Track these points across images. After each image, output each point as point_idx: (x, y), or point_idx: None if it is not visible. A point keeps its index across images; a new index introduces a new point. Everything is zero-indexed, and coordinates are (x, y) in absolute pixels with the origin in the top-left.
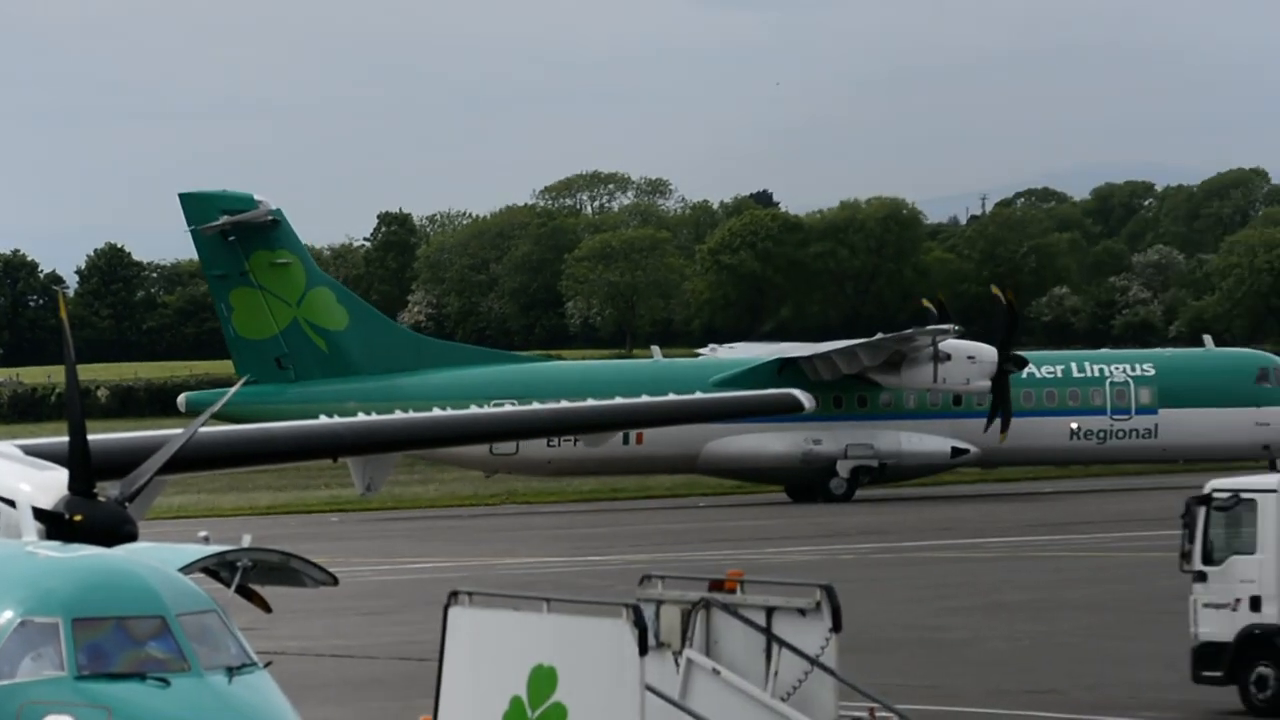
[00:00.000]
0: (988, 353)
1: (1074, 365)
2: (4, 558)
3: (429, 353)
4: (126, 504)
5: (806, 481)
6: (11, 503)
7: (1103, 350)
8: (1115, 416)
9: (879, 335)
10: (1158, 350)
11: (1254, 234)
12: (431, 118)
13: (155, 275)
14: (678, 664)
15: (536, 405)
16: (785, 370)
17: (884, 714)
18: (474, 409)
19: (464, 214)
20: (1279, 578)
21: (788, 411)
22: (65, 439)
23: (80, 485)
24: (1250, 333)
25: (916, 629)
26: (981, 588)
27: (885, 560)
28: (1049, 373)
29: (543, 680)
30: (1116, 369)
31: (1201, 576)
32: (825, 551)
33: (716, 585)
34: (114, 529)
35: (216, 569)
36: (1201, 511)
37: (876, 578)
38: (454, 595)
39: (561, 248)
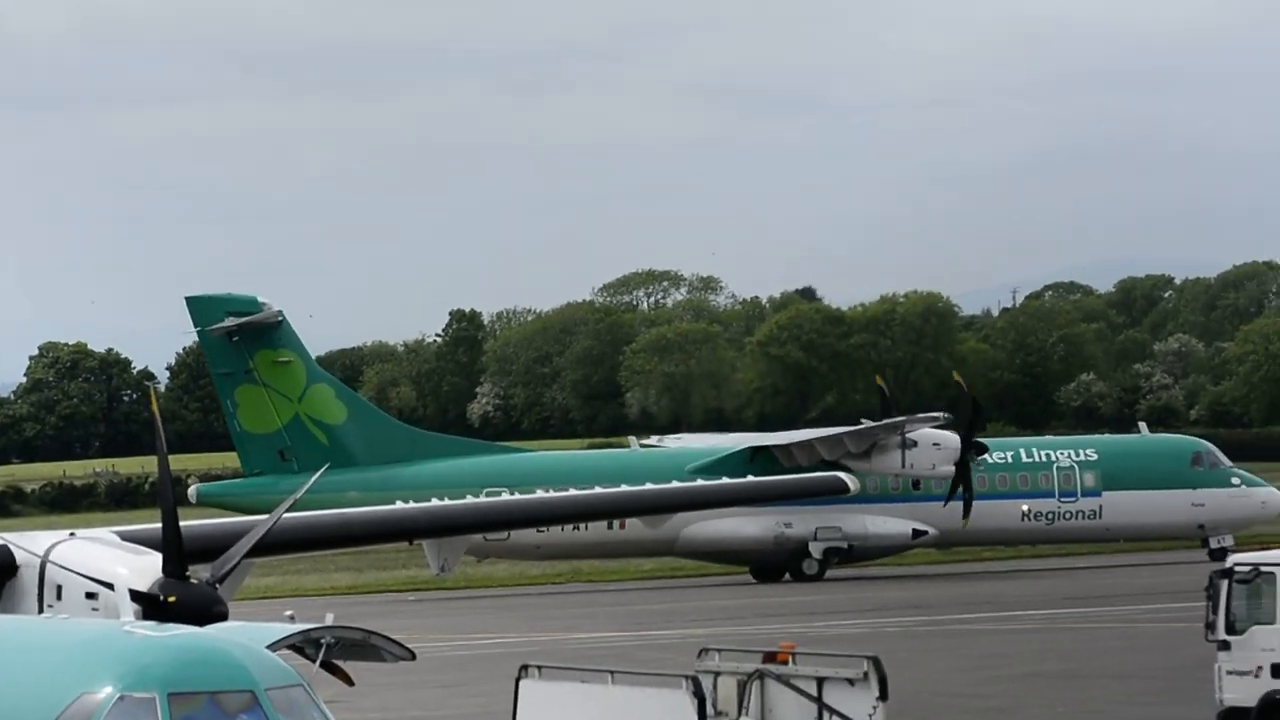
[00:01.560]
0: (951, 440)
1: (1023, 451)
2: (103, 636)
3: (422, 444)
4: (217, 585)
5: (776, 563)
6: (110, 585)
7: (1048, 437)
8: (1063, 499)
9: (865, 423)
10: (1099, 436)
11: (1269, 322)
12: (497, 219)
13: None
14: None
15: (599, 490)
16: (756, 458)
17: None
18: (542, 493)
19: (529, 310)
20: None
21: (834, 493)
22: (159, 525)
23: (173, 568)
24: (1267, 415)
25: (959, 697)
26: (1019, 658)
27: (927, 632)
28: (1000, 458)
29: None
30: (1062, 454)
31: (1225, 645)
32: (871, 624)
33: (770, 657)
34: (206, 609)
35: (302, 645)
36: (1224, 584)
37: (920, 649)
38: (524, 668)
39: (619, 341)
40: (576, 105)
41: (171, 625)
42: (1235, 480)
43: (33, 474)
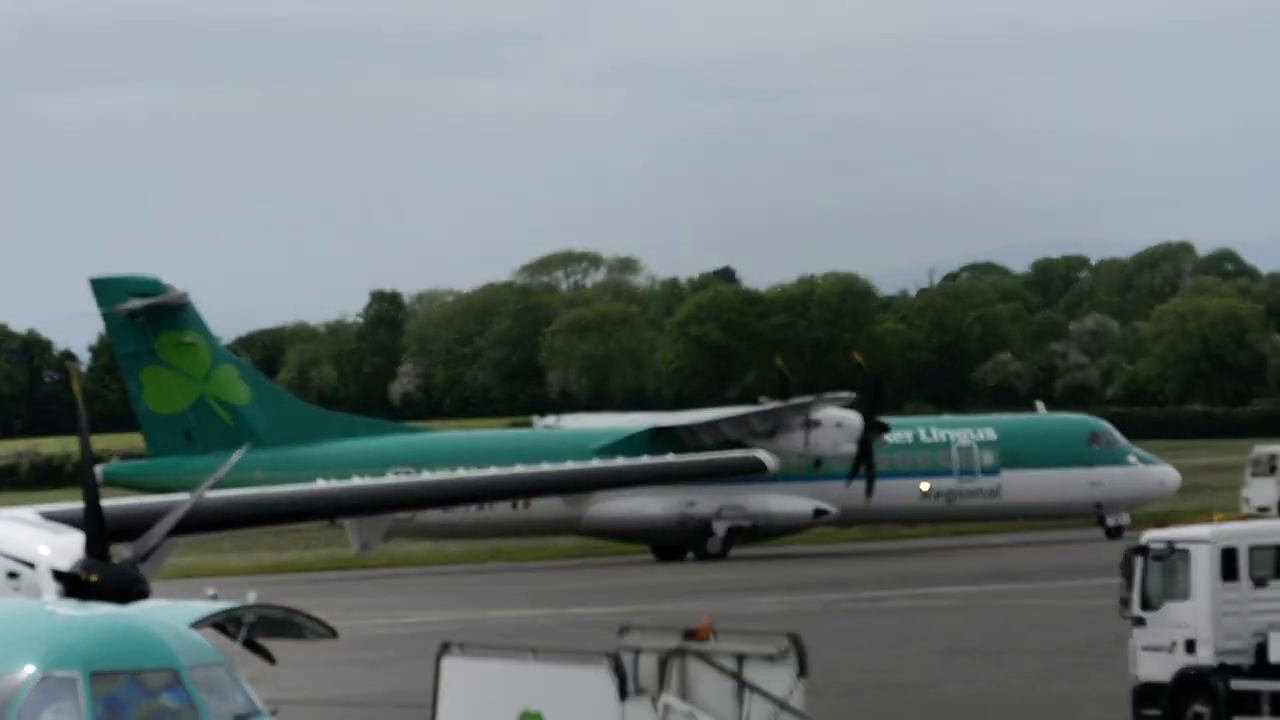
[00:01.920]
0: (853, 420)
1: (922, 430)
2: (25, 616)
3: (328, 424)
4: (139, 564)
5: (679, 542)
6: (31, 565)
7: (946, 416)
8: (962, 478)
9: (772, 403)
10: (997, 416)
11: (1183, 302)
12: (418, 201)
13: None
14: (655, 708)
15: (520, 468)
16: (659, 438)
17: None
18: (462, 472)
19: (449, 291)
20: (1212, 622)
21: (752, 472)
22: (81, 505)
23: (95, 548)
24: (1181, 393)
25: (878, 673)
26: (937, 634)
27: (848, 610)
28: (900, 438)
29: None
30: (961, 434)
31: (1140, 622)
32: (791, 602)
33: (691, 634)
34: (127, 588)
35: (224, 624)
36: (1139, 561)
37: (840, 626)
38: (446, 646)
39: (539, 322)
40: (497, 87)
41: (93, 604)
42: (1132, 459)
43: None
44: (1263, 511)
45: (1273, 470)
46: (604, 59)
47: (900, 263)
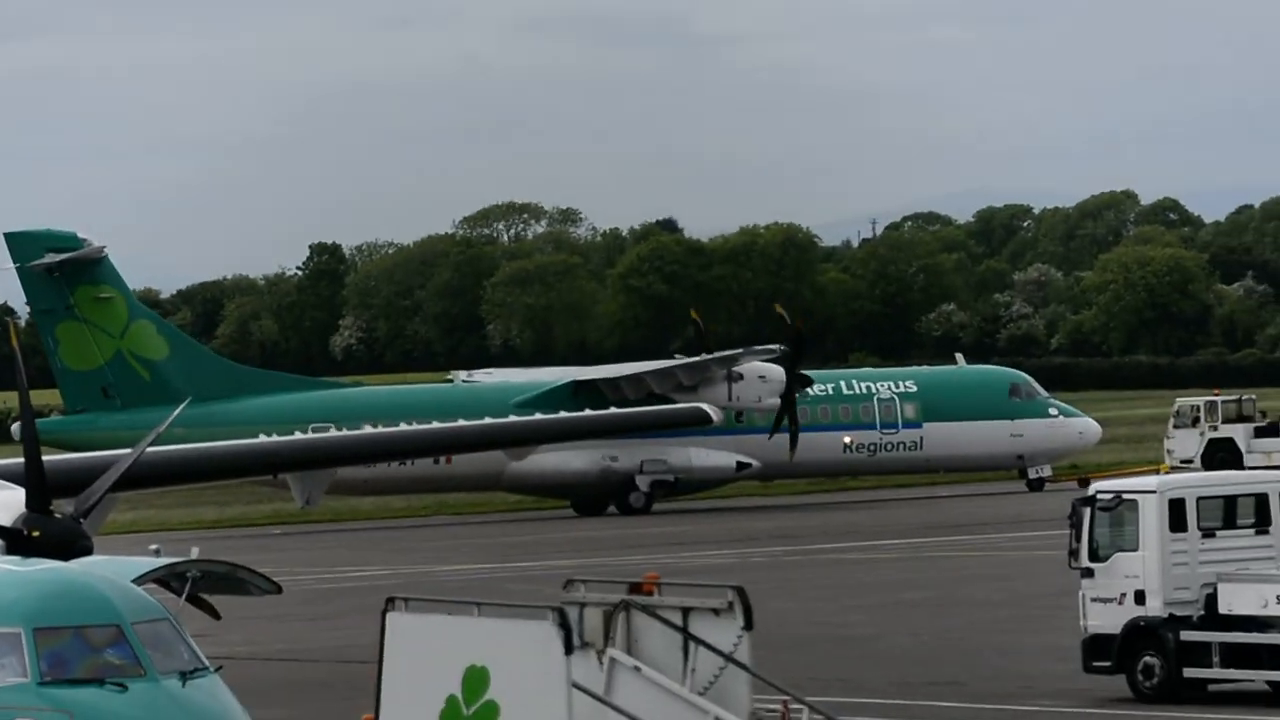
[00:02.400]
0: (776, 373)
1: (843, 383)
2: None
3: (246, 380)
4: (81, 520)
5: (598, 496)
6: None
7: (866, 369)
8: (884, 430)
9: (701, 356)
10: (916, 368)
11: (1127, 252)
12: (357, 153)
13: None
14: (601, 662)
15: (464, 422)
16: (580, 392)
17: (796, 706)
18: (407, 426)
19: (389, 244)
20: (1161, 572)
21: (697, 425)
22: (21, 460)
23: (37, 503)
24: (1125, 343)
25: (824, 626)
26: (884, 587)
27: (794, 562)
28: (821, 390)
29: (476, 680)
30: (883, 386)
31: (1089, 573)
32: (737, 554)
33: (635, 588)
34: (70, 543)
35: (168, 580)
36: (1087, 512)
37: (787, 579)
38: (391, 601)
39: (481, 274)
40: (435, 38)
41: (36, 560)
42: (1052, 411)
43: None
44: (1185, 464)
45: (1195, 423)
46: (543, 6)
47: (842, 213)
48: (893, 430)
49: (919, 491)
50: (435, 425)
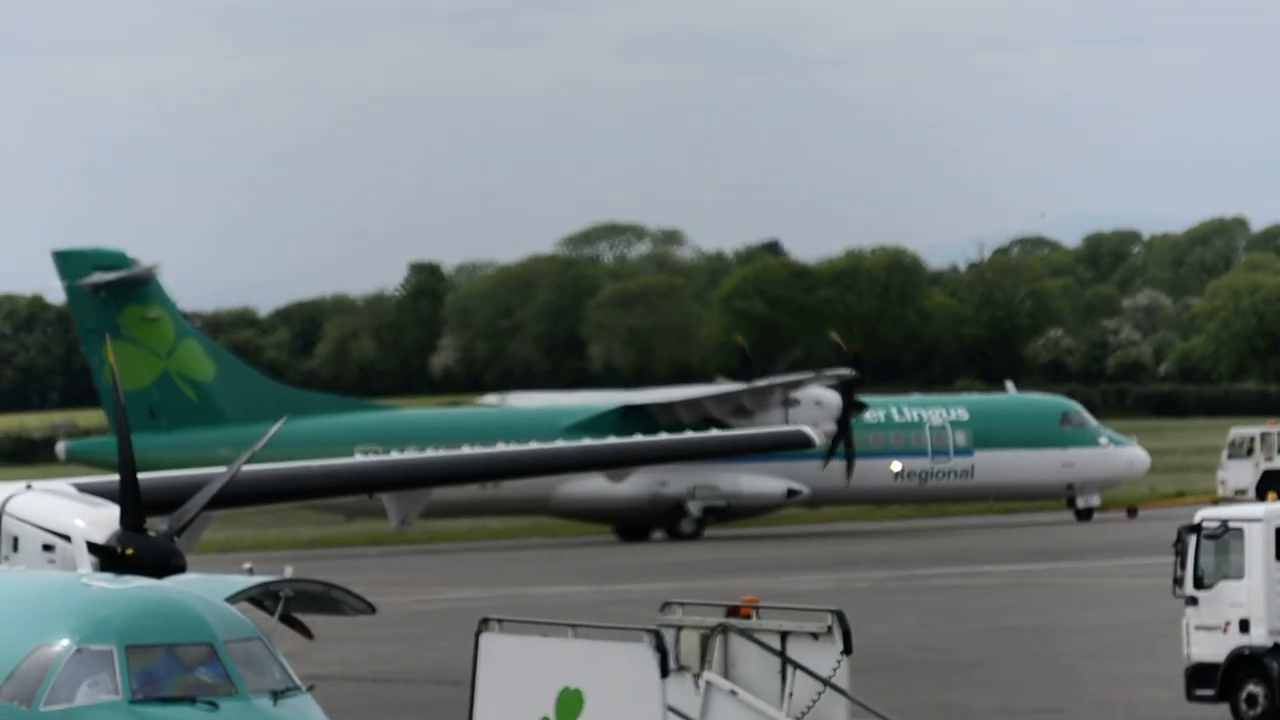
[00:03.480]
0: (832, 398)
1: (895, 410)
2: (61, 589)
3: (292, 401)
4: (175, 538)
5: (644, 521)
6: (67, 537)
7: (916, 396)
8: (935, 458)
9: (722, 382)
10: (970, 395)
11: (1236, 278)
12: (459, 171)
13: (198, 324)
14: (697, 686)
15: (562, 443)
16: (630, 416)
17: None
18: (502, 447)
19: (490, 262)
20: (1266, 601)
21: (798, 448)
22: (116, 477)
23: (131, 521)
24: (1234, 371)
25: (926, 651)
26: (987, 612)
27: (895, 587)
28: (873, 418)
29: (570, 702)
30: (934, 413)
31: (1193, 601)
32: (837, 579)
33: (733, 611)
34: (163, 561)
35: (261, 599)
36: (1192, 539)
37: (887, 603)
38: (485, 622)
39: (582, 294)
40: (539, 55)
41: (129, 578)
42: (1103, 440)
43: None
44: (1239, 494)
45: (1249, 453)
46: (648, 27)
47: (949, 236)
48: (944, 458)
49: (947, 521)
50: (535, 446)
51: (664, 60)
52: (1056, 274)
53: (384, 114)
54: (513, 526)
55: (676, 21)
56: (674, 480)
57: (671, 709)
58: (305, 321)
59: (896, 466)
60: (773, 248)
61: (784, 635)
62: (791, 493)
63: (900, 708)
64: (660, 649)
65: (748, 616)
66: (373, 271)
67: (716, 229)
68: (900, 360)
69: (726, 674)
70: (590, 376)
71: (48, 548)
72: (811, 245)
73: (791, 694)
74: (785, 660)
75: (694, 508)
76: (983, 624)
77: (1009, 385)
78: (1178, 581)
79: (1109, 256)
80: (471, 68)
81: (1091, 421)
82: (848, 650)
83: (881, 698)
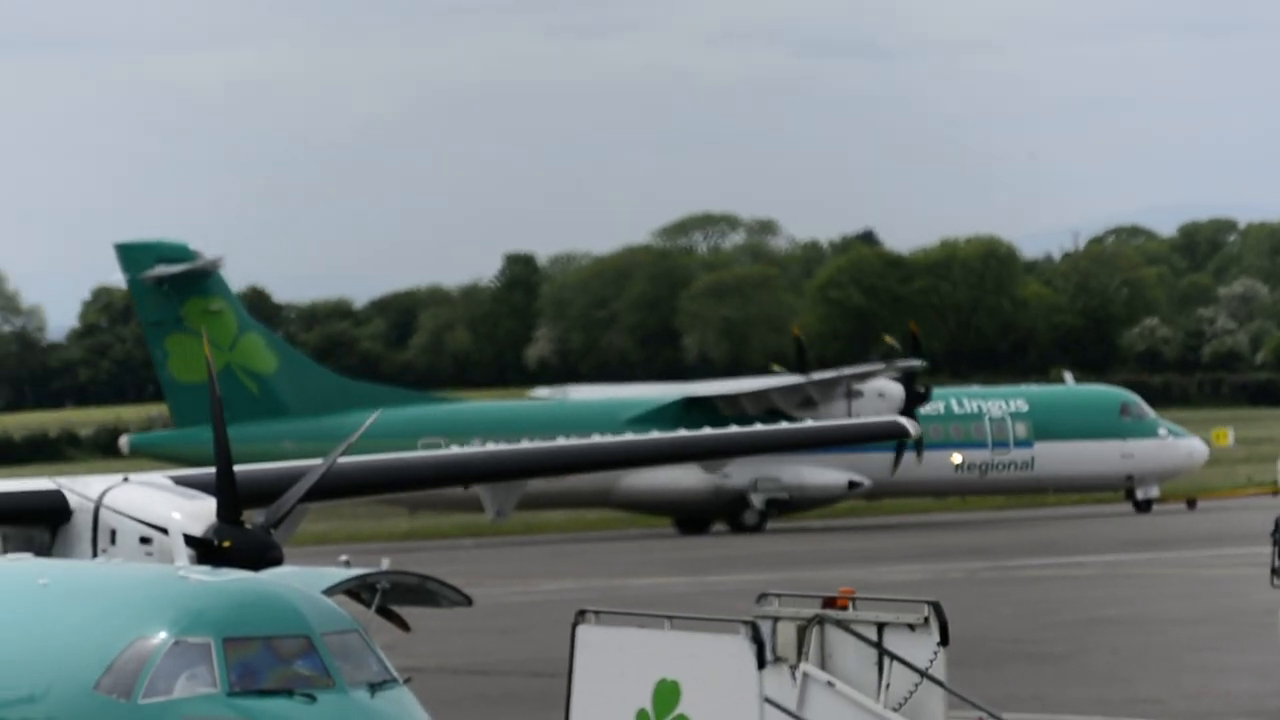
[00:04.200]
0: (895, 390)
1: (954, 401)
2: (158, 581)
3: (354, 394)
4: (272, 530)
5: (704, 514)
6: (164, 530)
7: (975, 387)
8: (996, 450)
9: (839, 371)
10: (1029, 387)
11: None
12: (553, 161)
13: (293, 315)
14: (794, 677)
15: (657, 434)
16: (692, 408)
17: None
18: (598, 438)
19: (585, 253)
20: None
21: (895, 438)
22: (213, 470)
23: (228, 513)
24: None
25: (1021, 642)
26: (1081, 603)
27: (991, 578)
28: (932, 410)
29: (667, 694)
30: (994, 405)
31: None
32: (933, 570)
33: (830, 603)
34: (260, 554)
35: (358, 591)
36: None
37: (983, 595)
38: (582, 614)
39: (676, 285)
40: (633, 46)
41: (226, 570)
42: (1162, 431)
43: (86, 419)
44: None
45: None
46: (742, 16)
47: (1044, 226)
48: (1004, 449)
49: (1010, 513)
50: (633, 437)
51: (758, 50)
52: (1152, 263)
53: (478, 104)
54: (610, 518)
55: (770, 11)
56: (736, 473)
57: (768, 700)
58: (400, 313)
59: (957, 459)
60: (867, 237)
61: (881, 627)
62: (853, 484)
63: (996, 699)
64: (757, 640)
65: (844, 608)
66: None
67: (811, 218)
68: (995, 350)
69: (823, 665)
70: (685, 368)
71: (145, 540)
72: (906, 235)
73: (888, 685)
74: (882, 651)
75: (757, 500)
76: (1077, 615)
77: (1067, 376)
78: (1276, 572)
79: (1205, 245)
80: (566, 57)
81: (1150, 413)
82: (944, 641)
83: (977, 689)
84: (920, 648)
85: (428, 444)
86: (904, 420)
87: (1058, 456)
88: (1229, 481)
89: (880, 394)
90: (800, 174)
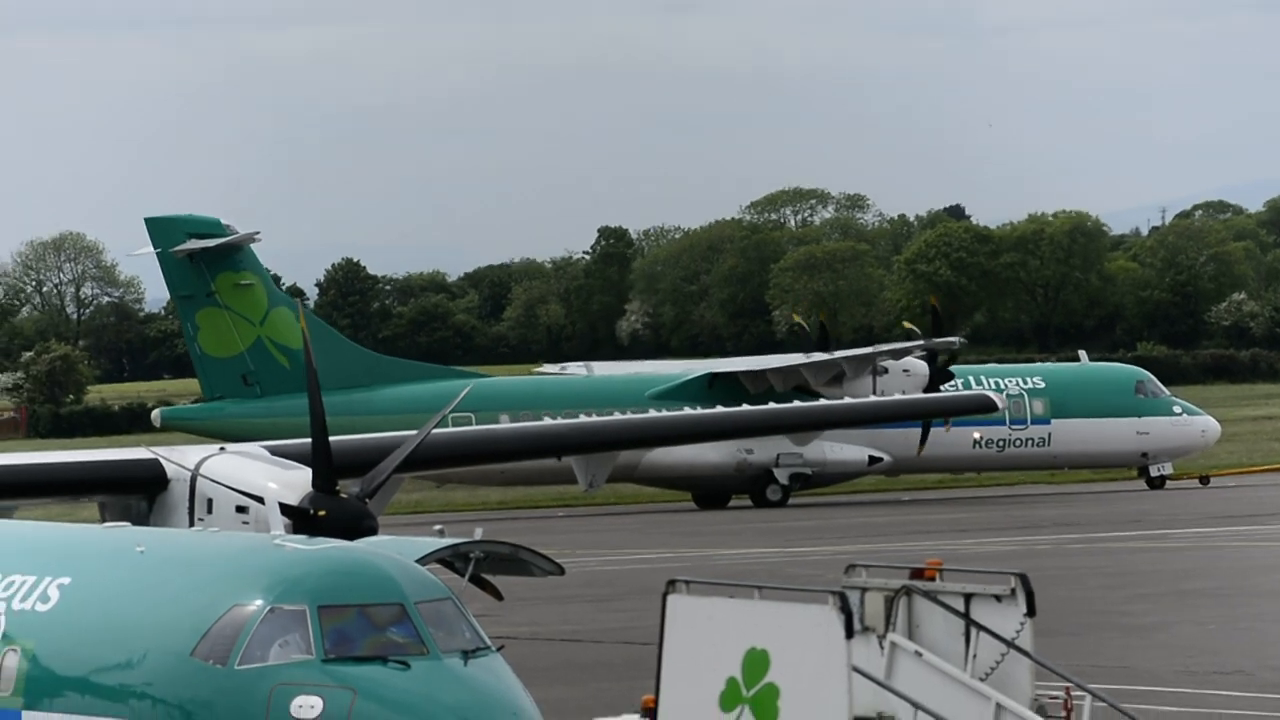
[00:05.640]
0: (920, 367)
1: (972, 379)
2: (254, 550)
3: (382, 369)
4: (366, 500)
5: (724, 489)
6: (260, 499)
7: (992, 365)
8: (1013, 427)
9: (874, 348)
10: (1044, 364)
11: None
12: (646, 137)
13: (389, 288)
14: (882, 647)
15: (746, 407)
16: (715, 384)
17: (1078, 693)
18: (687, 410)
19: (676, 228)
20: None
21: (981, 412)
22: (308, 440)
23: (323, 483)
24: None
25: (1108, 614)
26: (1170, 575)
27: (1078, 550)
28: (950, 387)
29: (756, 663)
30: (1011, 382)
31: None
32: (1020, 542)
33: (917, 573)
34: (355, 523)
35: (451, 560)
36: None
37: (1070, 566)
38: (672, 584)
39: (767, 259)
40: (726, 23)
41: (321, 539)
42: (1176, 409)
43: (184, 389)
44: None
45: None
46: None
47: (1132, 201)
48: (1021, 426)
49: (1027, 490)
50: (719, 410)
51: (848, 27)
52: (1239, 238)
53: (573, 80)
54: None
55: None
56: (759, 449)
57: (856, 669)
58: (494, 286)
59: (975, 435)
60: (956, 212)
61: (968, 598)
62: (873, 460)
63: (1083, 670)
64: (845, 611)
65: (932, 579)
66: (561, 236)
67: (900, 193)
68: (1082, 325)
69: (911, 636)
70: (775, 341)
71: (241, 509)
72: (995, 210)
73: (975, 656)
74: (969, 622)
75: (781, 475)
76: (1164, 587)
77: (1082, 354)
78: None
79: None
80: (656, 34)
81: (1164, 391)
82: (1031, 612)
83: (1063, 659)
84: (1007, 618)
85: (456, 419)
86: (991, 394)
87: (1074, 433)
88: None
89: (906, 371)
90: (890, 149)
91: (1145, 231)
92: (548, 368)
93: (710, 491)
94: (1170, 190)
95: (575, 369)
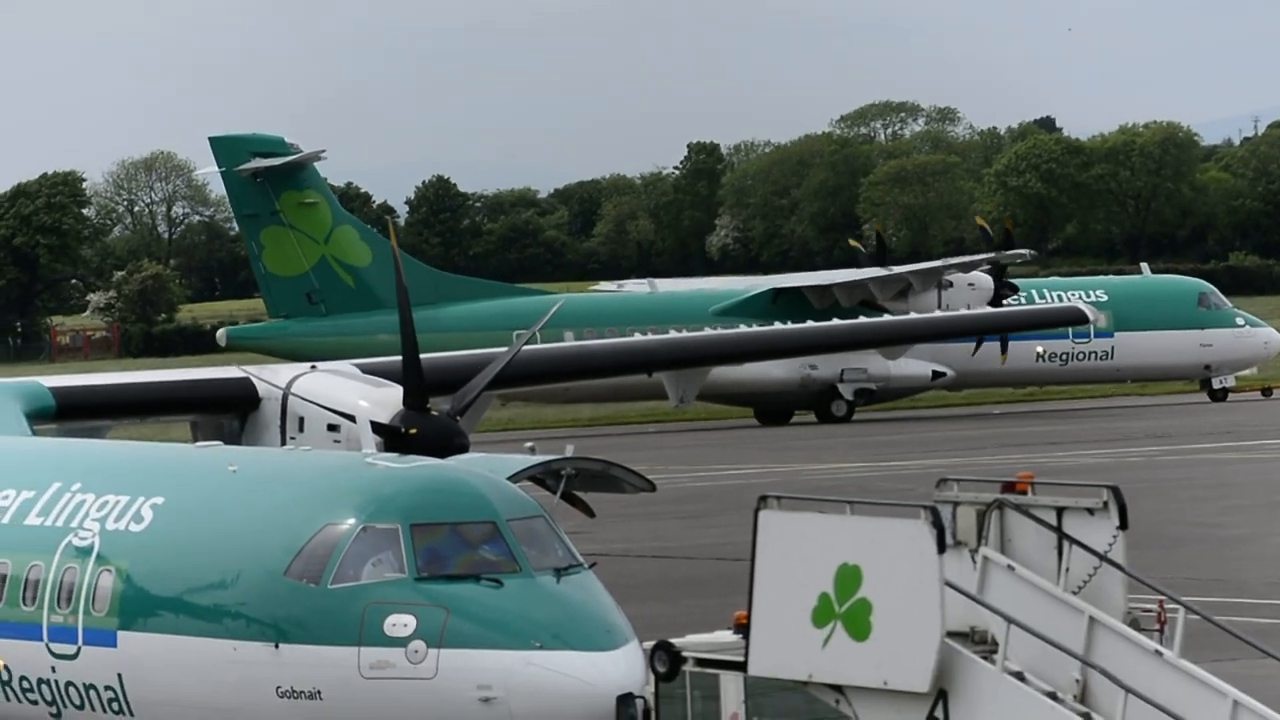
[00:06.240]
0: (985, 281)
1: (1035, 292)
2: (346, 468)
3: (446, 287)
4: (457, 418)
5: (786, 405)
6: (351, 418)
7: (1054, 278)
8: (1076, 340)
9: (943, 261)
10: (1108, 278)
11: None
12: (735, 52)
13: (479, 205)
14: (974, 561)
15: (837, 321)
16: (779, 299)
17: (1171, 606)
18: (777, 326)
19: (766, 142)
20: None
21: (1073, 324)
22: (399, 358)
23: (414, 401)
24: None
25: (1200, 527)
26: (1262, 487)
27: (1170, 462)
28: (1013, 301)
29: (848, 578)
30: (1074, 295)
31: None
32: (1111, 454)
33: (1009, 487)
34: (446, 441)
35: (543, 477)
36: None
37: (1162, 479)
38: (764, 500)
39: (857, 173)
40: None
41: (413, 457)
42: (1239, 321)
43: None
44: None
45: None
46: None
47: (1224, 111)
48: (1085, 340)
49: (1088, 403)
50: (810, 325)
51: None
52: None
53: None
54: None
55: None
56: (823, 364)
57: (949, 584)
58: (584, 202)
59: (1039, 348)
60: (1047, 124)
61: (1060, 511)
62: (936, 375)
63: (1175, 582)
64: (937, 525)
65: (1024, 493)
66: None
67: (990, 106)
68: (1174, 236)
69: (1003, 550)
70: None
71: (332, 428)
72: (1085, 121)
73: (1068, 569)
74: (1061, 536)
75: (846, 390)
76: (1255, 499)
77: (1144, 267)
78: None
79: None
80: None
81: (1227, 303)
82: (1124, 525)
83: (1156, 572)
84: (1100, 532)
85: (520, 335)
86: (1083, 307)
87: (1137, 346)
88: None
89: (971, 285)
90: (980, 61)
91: (1237, 142)
92: (604, 285)
93: (774, 407)
94: (1263, 100)
95: (634, 286)
